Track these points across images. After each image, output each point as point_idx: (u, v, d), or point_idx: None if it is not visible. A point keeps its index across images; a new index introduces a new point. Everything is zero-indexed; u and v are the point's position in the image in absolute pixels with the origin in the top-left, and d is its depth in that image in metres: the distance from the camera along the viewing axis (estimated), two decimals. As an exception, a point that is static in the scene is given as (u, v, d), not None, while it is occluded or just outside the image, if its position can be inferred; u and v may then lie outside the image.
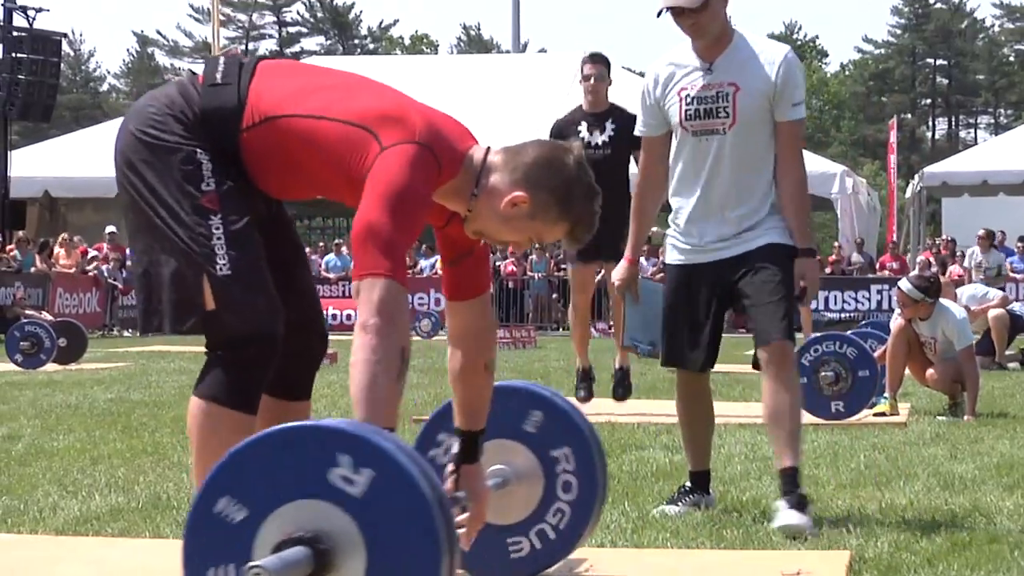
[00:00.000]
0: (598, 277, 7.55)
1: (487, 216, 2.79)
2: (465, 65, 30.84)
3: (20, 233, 21.08)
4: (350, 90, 2.84)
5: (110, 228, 22.20)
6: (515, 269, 22.76)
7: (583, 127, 7.43)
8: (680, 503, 4.25)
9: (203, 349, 2.88)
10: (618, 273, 4.45)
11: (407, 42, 63.78)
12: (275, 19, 64.02)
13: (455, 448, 3.03)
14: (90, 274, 20.69)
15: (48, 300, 19.16)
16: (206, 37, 56.70)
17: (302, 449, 2.18)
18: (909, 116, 61.06)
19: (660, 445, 5.87)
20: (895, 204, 29.58)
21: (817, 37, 69.93)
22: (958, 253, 22.27)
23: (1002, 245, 21.03)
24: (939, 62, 62.95)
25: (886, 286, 21.07)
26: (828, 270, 21.76)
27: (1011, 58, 61.78)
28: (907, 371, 7.72)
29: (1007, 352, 11.78)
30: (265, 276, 2.86)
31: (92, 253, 21.27)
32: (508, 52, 38.28)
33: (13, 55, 21.83)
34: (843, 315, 20.97)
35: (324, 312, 3.19)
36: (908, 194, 27.40)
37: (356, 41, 63.99)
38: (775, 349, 4.08)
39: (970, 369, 7.44)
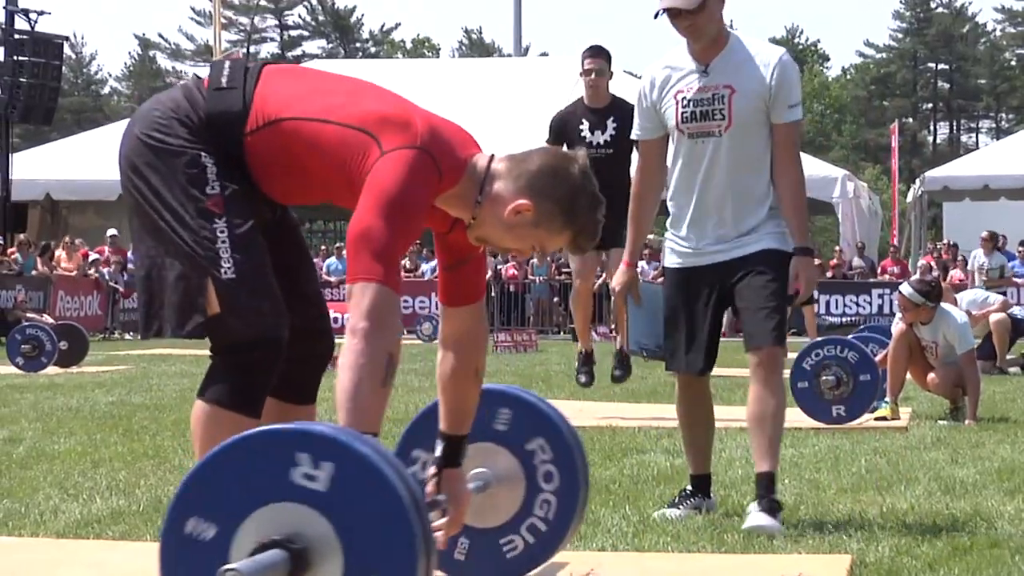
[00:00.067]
0: (599, 281, 7.53)
1: (490, 223, 2.79)
2: (467, 69, 30.86)
3: (21, 236, 21.06)
4: (354, 94, 2.85)
5: (111, 231, 22.21)
6: (516, 272, 22.77)
7: (584, 126, 7.38)
8: (681, 507, 4.25)
9: (205, 352, 2.89)
10: (618, 278, 4.46)
11: (409, 46, 63.80)
12: (277, 22, 64.06)
13: (438, 451, 3.04)
14: (91, 277, 20.69)
15: (49, 303, 19.17)
16: (208, 40, 56.71)
17: (261, 455, 2.20)
18: (910, 120, 61.09)
19: (661, 449, 5.88)
20: (896, 208, 29.58)
21: (819, 41, 70.02)
22: (959, 258, 22.28)
23: (1003, 249, 21.02)
24: (941, 66, 62.97)
25: (887, 290, 21.07)
26: (829, 274, 21.76)
27: (1013, 62, 61.78)
28: (908, 375, 7.72)
29: (1008, 356, 11.78)
30: (270, 280, 2.87)
31: (93, 256, 21.26)
32: (510, 56, 38.33)
33: (15, 58, 21.84)
34: (844, 319, 20.97)
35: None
36: (909, 198, 27.40)
37: (358, 45, 64.01)
38: (764, 355, 4.10)
39: (971, 373, 7.44)
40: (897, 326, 7.80)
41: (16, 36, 22.04)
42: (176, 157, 2.84)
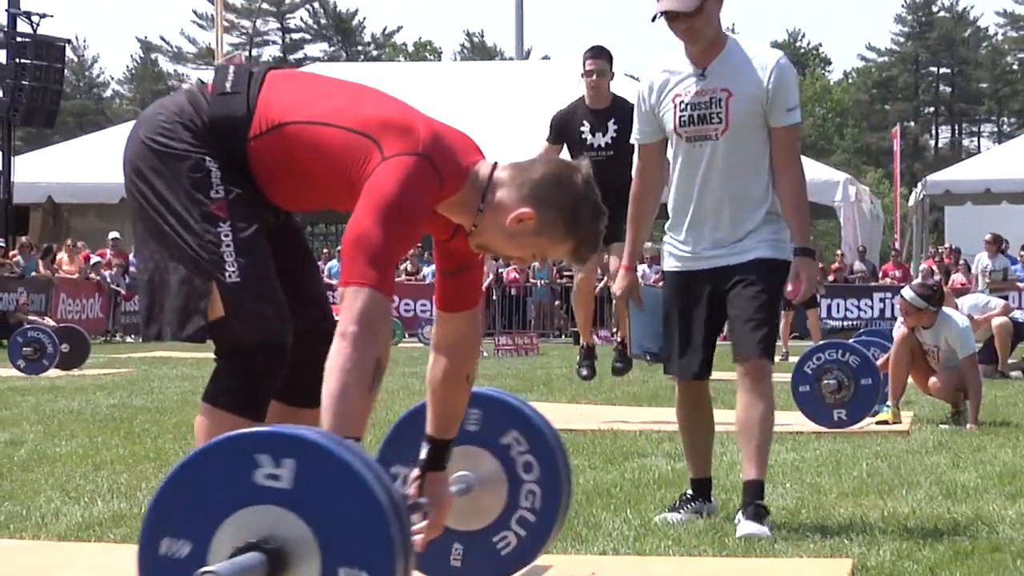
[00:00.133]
0: (600, 285, 7.55)
1: (492, 231, 2.79)
2: (468, 72, 30.89)
3: (23, 238, 21.09)
4: (357, 98, 2.85)
5: (113, 234, 22.23)
6: (518, 276, 22.80)
7: (585, 127, 7.37)
8: (682, 511, 4.25)
9: (205, 355, 2.90)
10: (618, 283, 4.46)
11: (411, 49, 63.87)
12: (279, 25, 64.12)
13: (423, 454, 3.05)
14: (93, 280, 20.72)
15: (51, 306, 19.18)
16: (210, 43, 56.70)
17: (221, 464, 2.21)
18: (912, 124, 61.14)
19: (662, 453, 5.89)
20: (898, 212, 29.60)
21: (820, 45, 70.34)
22: (961, 262, 22.28)
23: (1006, 252, 21.01)
24: (942, 70, 63.02)
25: (889, 294, 21.08)
26: (831, 278, 21.78)
27: (1014, 67, 61.82)
28: (910, 379, 7.73)
29: (1009, 361, 11.79)
30: (274, 284, 2.88)
31: (95, 259, 21.29)
32: (511, 59, 38.35)
33: (17, 61, 21.87)
34: (846, 323, 20.99)
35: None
36: (911, 202, 27.39)
37: (360, 48, 64.08)
38: (750, 366, 4.13)
39: (973, 377, 7.44)
40: (899, 330, 7.80)
41: (18, 39, 22.07)
42: (180, 161, 2.85)
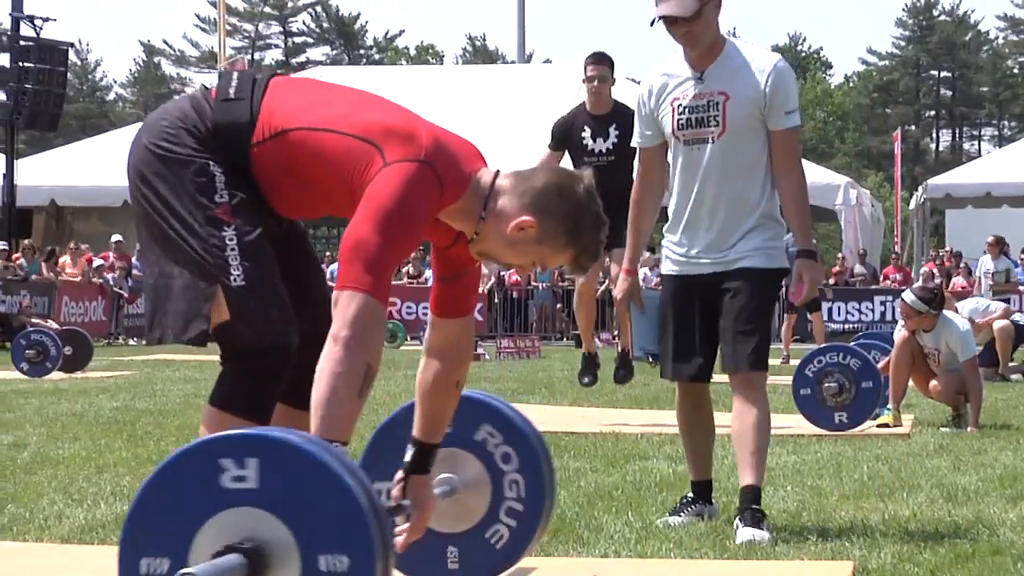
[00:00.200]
0: (602, 288, 7.57)
1: (493, 238, 2.80)
2: (470, 75, 30.92)
3: (26, 241, 21.13)
4: (359, 105, 2.87)
5: (116, 237, 22.27)
6: (519, 279, 22.82)
7: (586, 133, 7.41)
8: (683, 513, 4.27)
9: (208, 358, 2.92)
10: (619, 286, 4.48)
11: (413, 52, 63.93)
12: (281, 29, 64.19)
13: (408, 456, 3.06)
14: (96, 283, 20.75)
15: (54, 308, 19.22)
16: (212, 47, 56.80)
17: (186, 476, 2.23)
18: (913, 128, 61.16)
19: (664, 455, 5.90)
20: (899, 215, 29.61)
21: (821, 49, 70.20)
22: (961, 265, 22.29)
23: (1008, 254, 21.02)
24: (943, 74, 63.07)
25: (890, 297, 21.09)
26: (832, 281, 21.78)
27: (1015, 70, 61.85)
28: (911, 382, 7.74)
29: (1010, 364, 11.80)
30: (278, 287, 2.89)
31: (98, 262, 21.32)
32: (513, 62, 38.39)
33: (20, 64, 21.91)
34: (847, 326, 20.99)
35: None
36: (912, 206, 27.42)
37: (362, 51, 64.18)
38: (740, 379, 4.16)
39: (973, 381, 7.45)
40: (900, 333, 7.82)
41: (22, 42, 22.12)
42: (184, 166, 2.86)
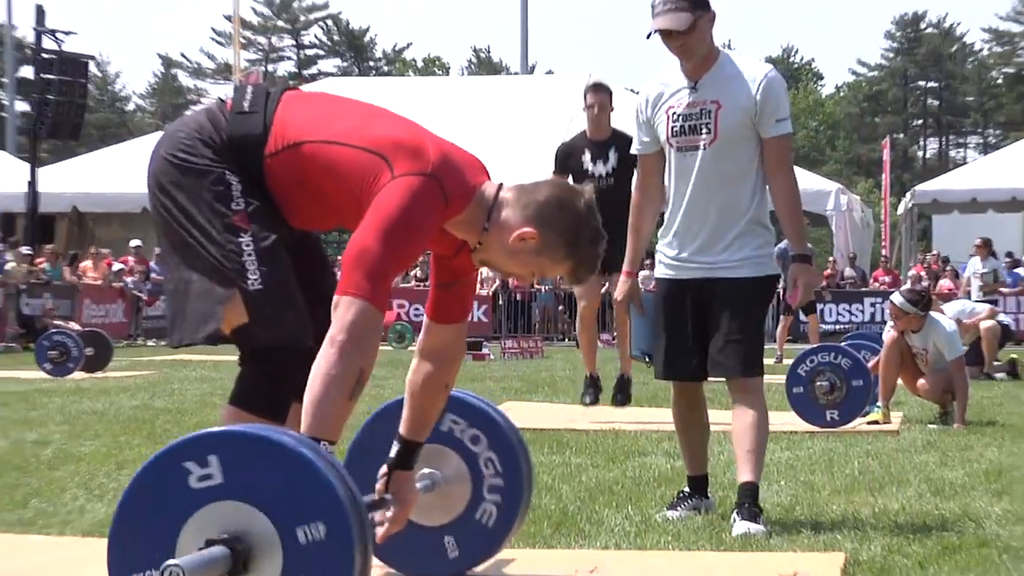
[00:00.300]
0: (603, 288, 7.71)
1: (495, 249, 2.88)
2: (475, 86, 31.04)
3: (49, 247, 21.30)
4: (369, 118, 2.94)
5: (135, 242, 22.42)
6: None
7: (587, 156, 7.63)
8: (680, 508, 4.33)
9: (224, 358, 3.03)
10: (620, 288, 4.54)
11: (420, 64, 63.86)
12: (293, 42, 64.28)
13: (393, 452, 3.14)
14: (116, 286, 20.88)
15: (76, 311, 19.33)
16: (227, 59, 56.90)
17: (155, 486, 2.31)
18: (901, 136, 61.30)
19: (662, 451, 5.93)
20: (888, 220, 29.69)
21: (813, 60, 70.33)
22: (948, 268, 22.42)
23: (996, 257, 21.13)
24: (930, 84, 63.25)
25: (879, 299, 21.24)
26: (823, 284, 21.90)
27: (999, 81, 61.99)
28: (899, 381, 7.83)
29: (995, 363, 11.91)
30: (294, 291, 2.96)
31: (118, 266, 21.44)
32: (516, 74, 38.46)
33: (43, 76, 22.03)
34: (838, 327, 21.11)
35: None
36: (900, 211, 27.49)
37: (371, 63, 64.28)
38: (736, 385, 4.24)
39: (960, 379, 7.54)
40: (889, 334, 7.90)
41: (44, 55, 22.21)
42: (202, 176, 2.93)
